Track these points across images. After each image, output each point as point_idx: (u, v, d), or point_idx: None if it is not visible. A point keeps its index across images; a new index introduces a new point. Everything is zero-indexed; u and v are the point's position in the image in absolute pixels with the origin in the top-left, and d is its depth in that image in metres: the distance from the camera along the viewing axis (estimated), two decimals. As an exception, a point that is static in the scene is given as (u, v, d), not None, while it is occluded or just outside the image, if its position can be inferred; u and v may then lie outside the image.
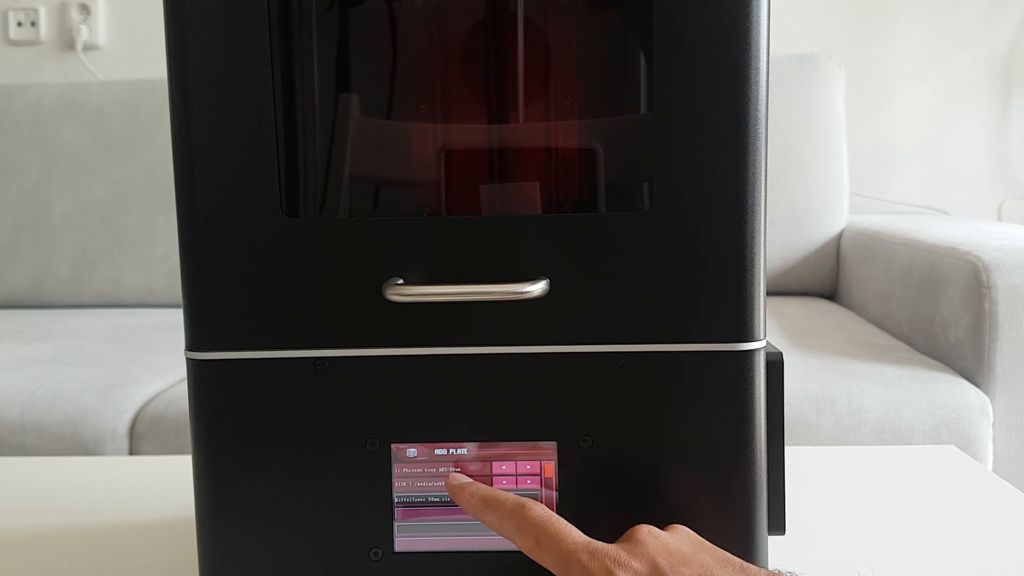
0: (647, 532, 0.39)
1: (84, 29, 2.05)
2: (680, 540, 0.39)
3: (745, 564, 0.38)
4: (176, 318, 1.65)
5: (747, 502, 0.42)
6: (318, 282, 0.42)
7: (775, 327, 1.43)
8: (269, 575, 0.44)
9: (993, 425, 1.14)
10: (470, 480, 0.42)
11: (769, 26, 0.41)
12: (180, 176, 0.42)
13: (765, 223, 0.42)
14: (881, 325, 1.47)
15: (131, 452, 1.17)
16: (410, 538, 0.43)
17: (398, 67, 0.44)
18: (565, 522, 0.39)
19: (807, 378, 1.14)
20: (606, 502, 0.43)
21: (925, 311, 1.28)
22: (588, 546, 0.38)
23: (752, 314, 0.42)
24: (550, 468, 0.43)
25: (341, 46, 0.44)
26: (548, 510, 0.40)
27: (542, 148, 0.44)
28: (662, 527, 0.41)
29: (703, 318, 0.41)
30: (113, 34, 2.08)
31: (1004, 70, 1.93)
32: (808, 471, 0.68)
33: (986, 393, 1.14)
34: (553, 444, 0.43)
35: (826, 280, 1.75)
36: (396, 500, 0.43)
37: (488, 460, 0.43)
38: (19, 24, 2.08)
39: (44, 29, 2.08)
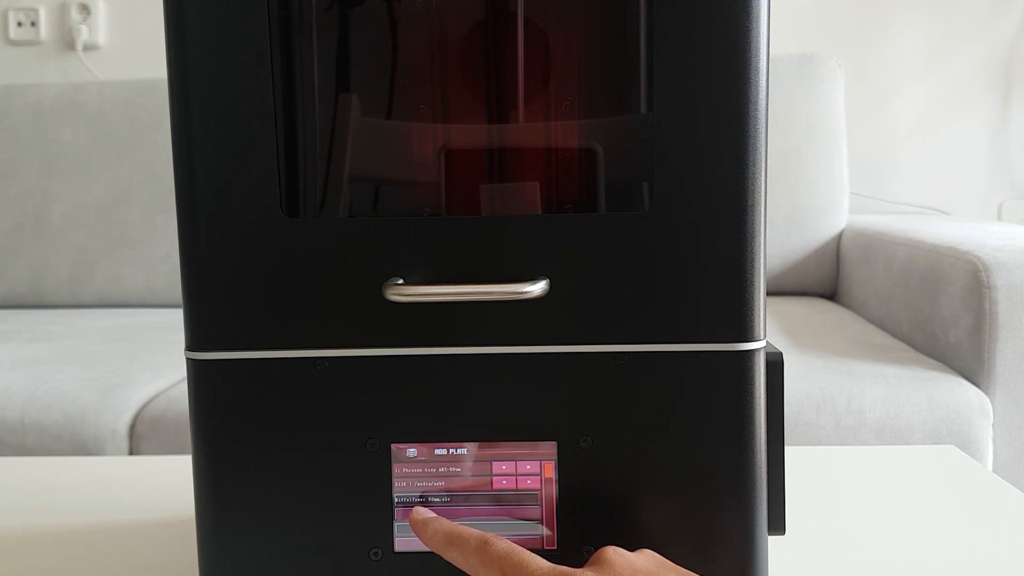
0: (613, 552, 0.39)
1: (84, 29, 2.05)
2: (646, 559, 0.39)
3: None
4: (176, 318, 1.66)
5: (747, 502, 0.42)
6: (318, 282, 0.42)
7: (775, 327, 1.43)
8: (269, 575, 0.44)
9: (993, 425, 1.14)
10: (434, 516, 0.42)
11: (769, 26, 0.41)
12: (180, 176, 0.42)
13: (765, 223, 0.41)
14: (881, 325, 1.47)
15: (131, 452, 1.17)
16: (410, 538, 0.43)
17: (398, 67, 0.44)
18: (529, 553, 0.39)
19: (807, 378, 1.14)
20: (606, 502, 0.43)
21: (925, 311, 1.28)
22: (554, 572, 0.37)
23: (752, 314, 0.42)
24: (550, 468, 0.43)
25: (341, 46, 0.44)
26: (511, 543, 0.39)
27: (542, 148, 0.44)
28: (633, 548, 0.41)
29: (703, 318, 0.41)
30: (113, 34, 2.08)
31: (1004, 70, 1.93)
32: (808, 471, 0.68)
33: (986, 393, 1.14)
34: (553, 444, 0.43)
35: (826, 280, 1.75)
36: (396, 500, 0.43)
37: (488, 460, 0.43)
38: (19, 24, 2.08)
39: (44, 29, 2.08)
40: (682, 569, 0.39)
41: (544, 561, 0.38)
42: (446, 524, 0.41)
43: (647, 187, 0.42)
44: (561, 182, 0.44)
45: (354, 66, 0.44)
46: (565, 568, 0.37)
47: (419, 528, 0.42)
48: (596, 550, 0.40)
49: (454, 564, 0.40)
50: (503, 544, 0.39)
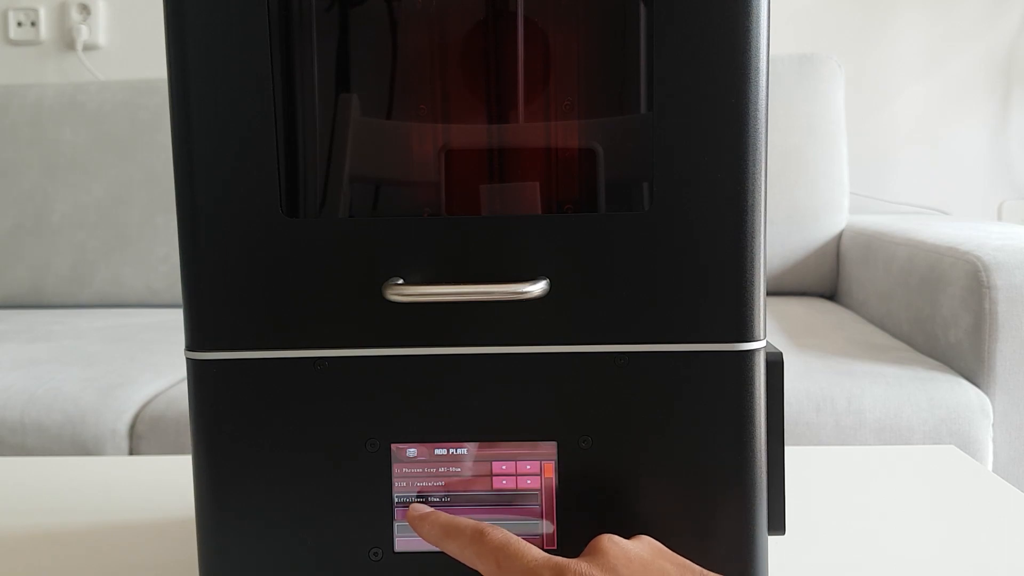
0: (608, 540, 0.39)
1: (84, 29, 2.05)
2: (641, 547, 0.39)
3: (705, 571, 0.38)
4: (176, 318, 1.65)
5: (747, 502, 0.42)
6: (318, 282, 0.42)
7: (775, 327, 1.43)
8: (269, 575, 0.44)
9: (993, 425, 1.14)
10: (431, 510, 0.42)
11: (769, 26, 0.41)
12: (180, 176, 0.42)
13: (765, 223, 0.42)
14: (881, 325, 1.47)
15: (131, 452, 1.17)
16: (410, 538, 0.43)
17: (398, 67, 0.44)
18: (525, 542, 0.39)
19: (807, 378, 1.14)
20: (606, 502, 0.43)
21: (925, 311, 1.28)
22: (549, 562, 0.37)
23: (752, 314, 0.42)
24: (550, 468, 0.43)
25: (341, 46, 0.44)
26: (508, 533, 0.39)
27: (542, 148, 0.44)
28: (629, 536, 0.41)
29: (703, 318, 0.41)
30: (113, 34, 2.08)
31: (1004, 70, 1.93)
32: (808, 471, 0.68)
33: (986, 393, 1.14)
34: (553, 444, 0.43)
35: (826, 280, 1.75)
36: (396, 500, 0.43)
37: (488, 460, 0.43)
38: (19, 24, 2.08)
39: (44, 29, 2.08)
40: (677, 556, 0.40)
41: (539, 551, 0.38)
42: (442, 517, 0.41)
43: (647, 187, 0.42)
44: (561, 182, 0.44)
45: (354, 66, 0.44)
46: (559, 558, 0.37)
47: (416, 523, 0.42)
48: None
49: (452, 556, 0.40)
50: (499, 534, 0.39)
